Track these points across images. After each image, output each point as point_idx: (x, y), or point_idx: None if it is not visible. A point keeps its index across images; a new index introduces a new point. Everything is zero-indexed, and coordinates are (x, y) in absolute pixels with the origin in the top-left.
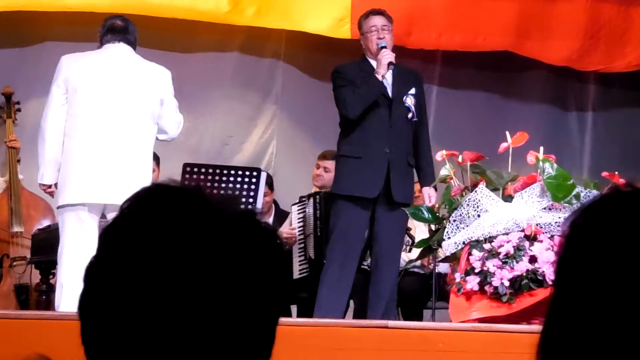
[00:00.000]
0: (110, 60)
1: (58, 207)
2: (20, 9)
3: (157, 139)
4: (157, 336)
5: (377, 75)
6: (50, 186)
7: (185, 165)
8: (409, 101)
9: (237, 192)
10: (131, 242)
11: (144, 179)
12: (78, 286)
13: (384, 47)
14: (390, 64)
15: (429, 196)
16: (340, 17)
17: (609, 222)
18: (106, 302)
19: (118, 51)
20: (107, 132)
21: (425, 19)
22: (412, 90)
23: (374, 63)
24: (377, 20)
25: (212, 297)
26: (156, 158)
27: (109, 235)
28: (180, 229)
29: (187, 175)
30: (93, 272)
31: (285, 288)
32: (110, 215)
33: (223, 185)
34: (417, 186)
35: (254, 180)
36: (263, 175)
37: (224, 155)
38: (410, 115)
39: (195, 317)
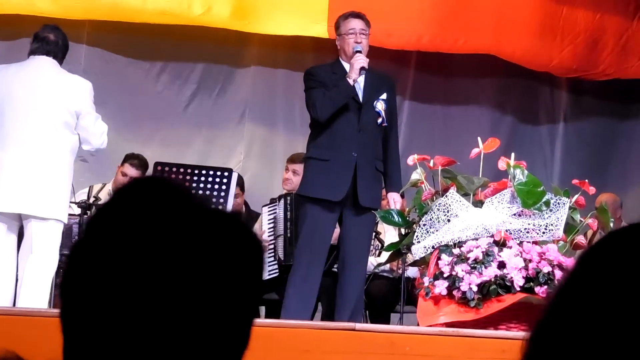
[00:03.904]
0: (29, 73)
1: None
2: None
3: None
4: (131, 325)
5: (348, 79)
6: None
7: (157, 164)
8: (380, 106)
9: (207, 192)
10: (114, 231)
11: (60, 188)
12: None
13: (359, 51)
14: (362, 69)
15: (394, 201)
16: (317, 18)
17: (621, 253)
18: (85, 288)
19: (39, 64)
20: (24, 143)
21: (406, 20)
22: (384, 95)
23: (347, 66)
24: (356, 24)
25: (189, 292)
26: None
27: (94, 221)
28: (166, 221)
29: (158, 174)
30: (75, 256)
31: (259, 291)
32: (28, 223)
33: (194, 184)
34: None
35: (225, 180)
36: (234, 176)
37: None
38: (380, 120)
39: (171, 310)
